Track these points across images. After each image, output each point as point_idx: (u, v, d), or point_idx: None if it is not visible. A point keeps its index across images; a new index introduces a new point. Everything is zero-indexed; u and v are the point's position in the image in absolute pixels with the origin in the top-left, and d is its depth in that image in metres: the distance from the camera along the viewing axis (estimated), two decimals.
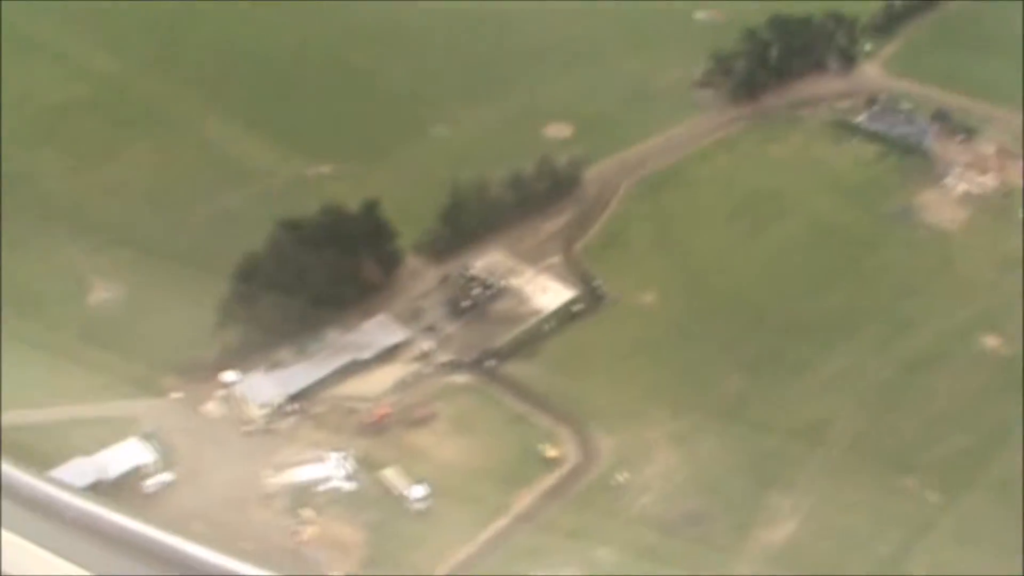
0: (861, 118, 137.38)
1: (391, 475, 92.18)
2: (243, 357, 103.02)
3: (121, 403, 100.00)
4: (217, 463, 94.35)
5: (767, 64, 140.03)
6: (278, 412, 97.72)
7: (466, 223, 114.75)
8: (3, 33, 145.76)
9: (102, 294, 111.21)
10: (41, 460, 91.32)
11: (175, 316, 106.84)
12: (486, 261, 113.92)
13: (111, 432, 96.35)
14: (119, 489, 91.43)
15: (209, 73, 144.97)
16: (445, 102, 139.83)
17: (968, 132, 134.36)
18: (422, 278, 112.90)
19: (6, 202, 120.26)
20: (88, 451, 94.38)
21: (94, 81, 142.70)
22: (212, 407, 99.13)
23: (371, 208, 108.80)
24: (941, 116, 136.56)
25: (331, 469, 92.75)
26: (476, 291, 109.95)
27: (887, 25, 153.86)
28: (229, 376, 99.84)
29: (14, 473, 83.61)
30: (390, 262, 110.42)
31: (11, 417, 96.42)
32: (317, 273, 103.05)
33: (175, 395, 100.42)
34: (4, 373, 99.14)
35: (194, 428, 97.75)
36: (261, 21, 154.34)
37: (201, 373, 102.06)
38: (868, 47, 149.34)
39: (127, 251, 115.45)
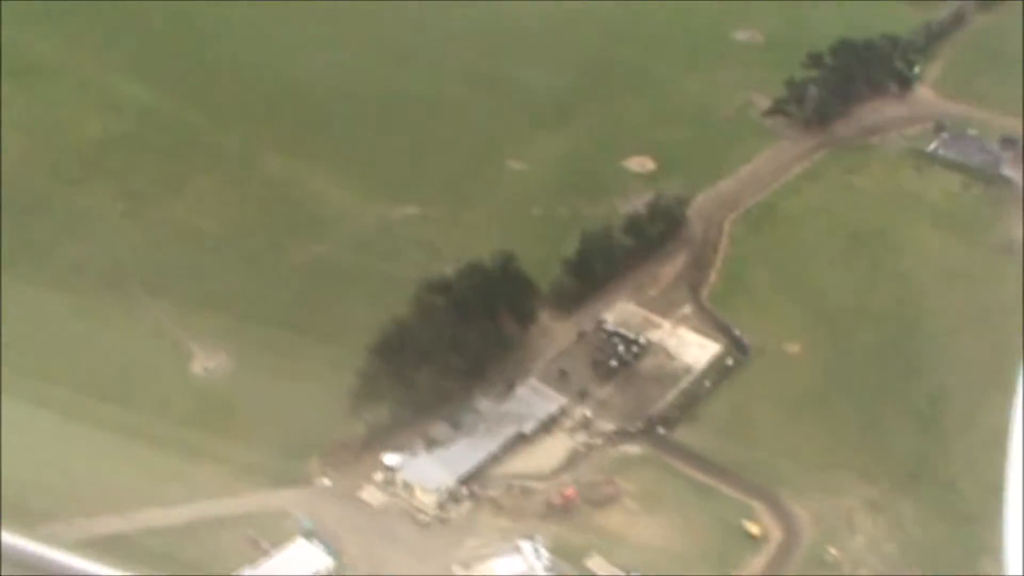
0: (934, 146, 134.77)
1: (597, 564, 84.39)
2: (390, 435, 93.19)
3: (263, 494, 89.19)
4: (399, 563, 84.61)
5: (838, 91, 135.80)
6: (450, 498, 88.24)
7: (592, 272, 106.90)
8: (19, 59, 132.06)
9: (205, 363, 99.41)
10: (197, 570, 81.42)
11: (295, 387, 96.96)
12: (618, 313, 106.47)
13: (263, 530, 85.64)
14: None
15: (249, 102, 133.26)
16: (514, 131, 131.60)
17: None
18: (553, 334, 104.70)
19: (62, 254, 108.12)
20: (246, 555, 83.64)
21: (130, 112, 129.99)
22: (371, 494, 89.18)
23: (508, 262, 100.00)
24: (1010, 142, 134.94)
25: (528, 561, 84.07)
26: (620, 348, 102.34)
27: (927, 46, 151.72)
28: (390, 459, 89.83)
29: None
30: (526, 319, 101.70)
31: (142, 519, 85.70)
32: (468, 338, 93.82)
33: (323, 482, 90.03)
34: (116, 471, 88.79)
35: (358, 521, 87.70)
36: (292, 46, 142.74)
37: (347, 455, 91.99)
38: (917, 69, 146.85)
39: (220, 311, 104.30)
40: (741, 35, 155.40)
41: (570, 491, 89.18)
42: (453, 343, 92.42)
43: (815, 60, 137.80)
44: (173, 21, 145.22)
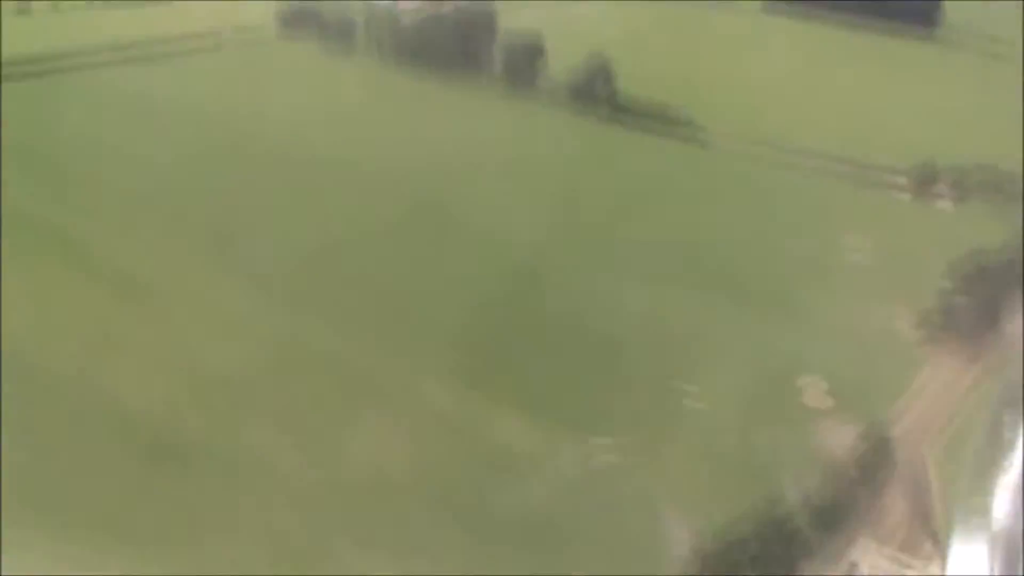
0: None
1: None
2: None
3: None
4: None
5: (985, 304, 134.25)
6: None
7: (835, 515, 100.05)
8: (119, 276, 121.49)
9: None
10: None
11: None
12: (866, 555, 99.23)
13: None
14: None
15: (391, 325, 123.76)
16: (668, 357, 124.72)
17: None
18: None
19: (247, 511, 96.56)
20: None
21: (265, 340, 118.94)
22: None
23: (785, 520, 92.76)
24: None
25: None
26: None
27: None
28: None
29: None
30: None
31: None
32: None
33: None
34: None
35: None
36: (411, 255, 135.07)
37: None
38: None
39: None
40: (850, 240, 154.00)
41: None
42: None
43: (955, 273, 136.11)
44: (289, 229, 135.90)
